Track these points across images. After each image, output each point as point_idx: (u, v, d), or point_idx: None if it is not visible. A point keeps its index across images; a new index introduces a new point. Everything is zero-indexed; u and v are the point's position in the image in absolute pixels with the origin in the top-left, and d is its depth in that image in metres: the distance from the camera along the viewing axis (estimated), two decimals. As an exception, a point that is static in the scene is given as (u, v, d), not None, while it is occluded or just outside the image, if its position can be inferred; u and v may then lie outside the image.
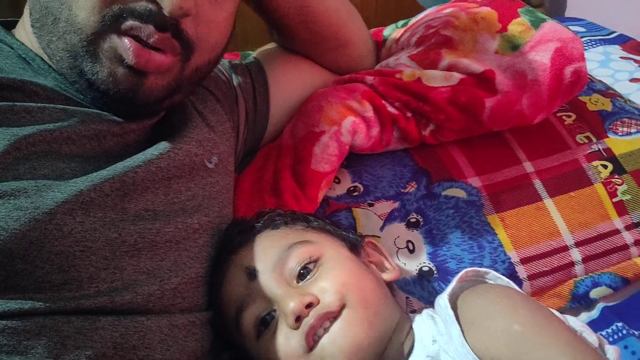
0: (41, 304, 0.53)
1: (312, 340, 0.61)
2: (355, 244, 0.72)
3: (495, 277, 0.66)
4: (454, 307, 0.61)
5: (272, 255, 0.66)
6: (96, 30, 0.60)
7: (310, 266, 0.65)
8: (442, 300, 0.63)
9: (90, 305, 0.55)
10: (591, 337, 0.61)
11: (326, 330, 0.61)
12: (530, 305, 0.60)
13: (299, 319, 0.61)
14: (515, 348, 0.55)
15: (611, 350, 0.60)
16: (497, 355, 0.56)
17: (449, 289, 0.64)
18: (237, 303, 0.66)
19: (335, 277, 0.64)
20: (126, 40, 0.60)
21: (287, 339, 0.62)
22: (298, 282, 0.65)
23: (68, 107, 0.63)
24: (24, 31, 0.68)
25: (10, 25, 0.72)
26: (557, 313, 0.64)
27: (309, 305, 0.61)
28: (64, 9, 0.61)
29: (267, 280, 0.65)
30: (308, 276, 0.65)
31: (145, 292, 0.60)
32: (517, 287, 0.66)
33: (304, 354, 0.61)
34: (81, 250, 0.56)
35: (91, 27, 0.60)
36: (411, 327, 0.66)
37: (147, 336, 0.58)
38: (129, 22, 0.60)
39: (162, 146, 0.68)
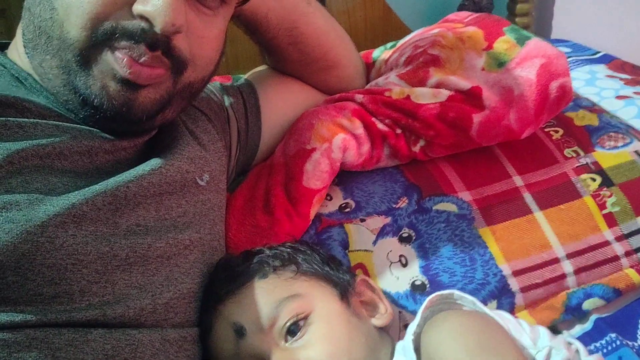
0: (32, 316, 0.53)
1: None
2: (345, 288, 0.70)
3: (460, 297, 0.65)
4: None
5: (260, 313, 0.65)
6: (88, 45, 0.61)
7: (300, 323, 0.64)
8: (407, 339, 0.62)
9: (82, 318, 0.55)
10: (560, 352, 0.60)
11: None
12: (483, 341, 0.59)
13: None
14: None
15: None
16: None
17: (415, 324, 0.63)
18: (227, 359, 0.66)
19: (323, 346, 0.63)
20: (118, 53, 0.61)
21: None
22: (287, 341, 0.64)
23: (60, 123, 0.64)
24: (17, 52, 0.69)
25: (2, 47, 0.73)
26: (525, 327, 0.63)
27: None
28: (55, 27, 0.62)
29: (256, 340, 0.64)
30: (297, 334, 0.64)
31: (137, 306, 0.59)
32: (481, 306, 0.64)
33: None
34: (73, 263, 0.56)
35: (83, 43, 0.61)
36: None
37: (138, 349, 0.58)
38: (122, 43, 0.61)
39: (154, 162, 0.68)
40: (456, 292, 0.65)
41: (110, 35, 0.61)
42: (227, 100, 0.91)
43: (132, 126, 0.67)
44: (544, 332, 0.64)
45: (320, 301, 0.67)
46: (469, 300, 0.64)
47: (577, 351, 0.62)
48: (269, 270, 0.68)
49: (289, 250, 0.72)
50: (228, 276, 0.69)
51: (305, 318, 0.64)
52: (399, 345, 0.66)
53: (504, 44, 0.88)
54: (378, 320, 0.70)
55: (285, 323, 0.64)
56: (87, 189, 0.60)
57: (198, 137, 0.80)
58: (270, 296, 0.66)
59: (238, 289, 0.67)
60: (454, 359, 0.57)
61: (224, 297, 0.67)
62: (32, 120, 0.61)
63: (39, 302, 0.53)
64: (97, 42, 0.61)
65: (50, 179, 0.59)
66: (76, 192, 0.59)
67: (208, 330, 0.67)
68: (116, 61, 0.61)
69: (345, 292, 0.69)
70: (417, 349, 0.61)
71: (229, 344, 0.65)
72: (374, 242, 0.83)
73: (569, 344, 0.63)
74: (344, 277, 0.71)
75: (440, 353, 0.58)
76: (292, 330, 0.64)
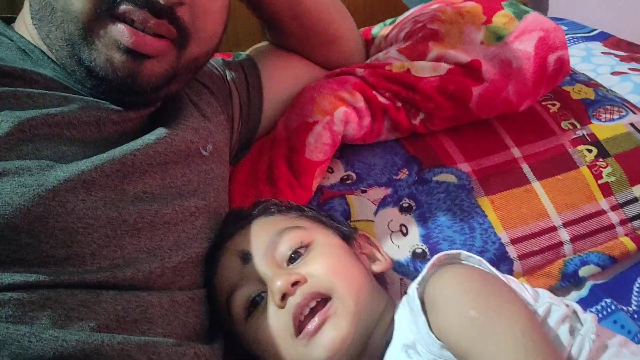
0: (46, 277, 0.54)
1: (298, 321, 0.62)
2: (347, 235, 0.73)
3: (467, 257, 0.67)
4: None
5: (264, 239, 0.68)
6: (91, 17, 0.62)
7: (302, 250, 0.67)
8: (411, 290, 0.64)
9: (93, 280, 0.57)
10: (560, 308, 0.62)
11: (312, 318, 0.63)
12: (488, 288, 0.61)
13: (284, 297, 0.63)
14: (469, 333, 0.56)
15: (590, 319, 0.62)
16: (454, 339, 0.57)
17: (420, 276, 0.65)
18: (230, 286, 0.68)
19: (324, 262, 0.66)
20: (120, 24, 0.62)
21: (275, 319, 0.64)
22: (288, 265, 0.67)
23: (68, 94, 0.65)
24: (24, 24, 0.70)
25: (9, 21, 0.74)
26: (527, 287, 0.65)
27: (295, 284, 0.63)
28: None
29: (259, 262, 0.67)
30: (298, 260, 0.67)
31: (146, 270, 0.61)
32: (488, 265, 0.66)
33: (290, 336, 0.63)
34: (84, 227, 0.57)
35: (86, 15, 0.62)
36: (393, 318, 0.67)
37: (148, 310, 0.59)
38: (123, 6, 0.62)
39: (159, 132, 0.70)
40: (463, 252, 0.67)
41: (112, 3, 0.62)
42: (229, 75, 0.92)
43: (138, 97, 0.69)
44: (543, 292, 0.66)
45: (321, 235, 0.70)
46: (476, 260, 0.66)
47: (574, 312, 0.63)
48: (274, 210, 0.72)
49: (294, 203, 0.76)
50: (235, 219, 0.73)
51: (307, 247, 0.68)
52: (402, 299, 0.68)
53: (502, 18, 0.89)
54: (377, 266, 0.73)
55: (288, 250, 0.67)
56: (95, 156, 0.62)
57: (201, 109, 0.81)
58: (274, 227, 0.69)
59: (244, 226, 0.71)
60: (458, 300, 0.59)
61: (231, 234, 0.70)
62: (40, 90, 0.63)
63: (52, 263, 0.55)
64: (101, 13, 0.62)
65: (59, 147, 0.61)
66: (85, 159, 0.61)
67: (215, 265, 0.69)
68: (118, 32, 0.62)
69: (346, 238, 0.73)
70: (421, 300, 0.62)
71: (233, 272, 0.68)
72: (375, 212, 0.85)
73: (567, 305, 0.64)
74: (345, 228, 0.75)
75: (444, 296, 0.60)
76: (294, 257, 0.67)
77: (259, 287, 0.66)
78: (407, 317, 0.65)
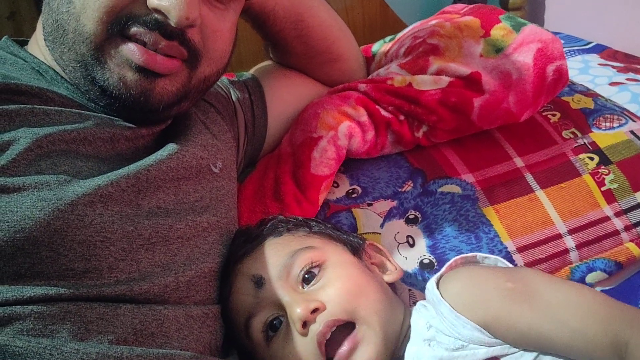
0: (65, 290, 0.55)
1: (324, 348, 0.63)
2: (356, 247, 0.74)
3: (483, 258, 0.69)
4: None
5: (277, 263, 0.68)
6: (103, 38, 0.64)
7: (315, 271, 0.67)
8: (429, 284, 0.66)
9: (111, 292, 0.58)
10: None
11: (342, 341, 0.63)
12: (511, 270, 0.65)
13: (305, 325, 0.63)
14: (516, 300, 0.59)
15: None
16: (494, 311, 0.60)
17: (437, 274, 0.67)
18: (246, 311, 0.68)
19: (341, 285, 0.66)
20: (131, 44, 0.64)
21: (299, 345, 0.64)
22: (303, 287, 0.67)
23: (82, 111, 0.67)
24: (37, 46, 0.71)
25: (22, 44, 0.76)
26: None
27: (315, 311, 0.64)
28: (71, 21, 0.65)
29: (274, 287, 0.67)
30: (313, 281, 0.67)
31: (162, 283, 0.62)
32: (505, 262, 0.69)
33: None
34: (101, 240, 0.58)
35: (98, 36, 0.64)
36: (409, 323, 0.68)
37: (164, 324, 0.60)
38: (134, 29, 0.63)
39: (171, 148, 0.71)
40: (479, 254, 0.69)
41: (124, 25, 0.63)
42: (234, 95, 0.93)
43: (150, 115, 0.70)
44: None
45: (333, 253, 0.70)
46: (492, 260, 0.68)
47: None
48: (283, 230, 0.72)
49: (300, 218, 0.77)
50: (245, 240, 0.73)
51: (320, 266, 0.68)
52: (417, 305, 0.69)
53: (500, 30, 0.91)
54: (389, 277, 0.74)
55: (301, 271, 0.67)
56: (111, 172, 0.63)
57: (209, 127, 0.82)
58: (286, 249, 0.69)
59: (255, 248, 0.71)
60: (491, 279, 0.62)
61: (241, 257, 0.71)
62: (56, 108, 0.64)
63: (70, 277, 0.56)
64: (112, 34, 0.64)
65: (76, 162, 0.62)
66: (101, 174, 0.62)
67: (228, 289, 0.70)
68: (129, 51, 0.64)
69: (356, 251, 0.73)
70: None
71: (248, 297, 0.68)
72: (382, 225, 0.86)
73: None
74: (354, 239, 0.75)
75: (475, 280, 0.63)
76: (308, 278, 0.67)
77: (275, 311, 0.66)
78: (424, 315, 0.66)
